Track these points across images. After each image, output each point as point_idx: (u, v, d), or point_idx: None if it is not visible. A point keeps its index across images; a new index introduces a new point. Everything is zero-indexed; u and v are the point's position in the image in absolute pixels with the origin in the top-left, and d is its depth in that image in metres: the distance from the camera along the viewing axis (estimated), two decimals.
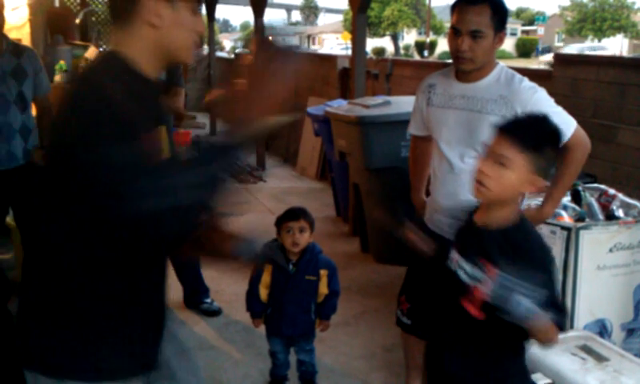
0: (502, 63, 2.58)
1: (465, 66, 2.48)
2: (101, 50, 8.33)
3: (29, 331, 1.52)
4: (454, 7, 2.48)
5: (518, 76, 2.49)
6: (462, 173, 2.51)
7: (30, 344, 1.52)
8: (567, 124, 2.41)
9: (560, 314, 1.66)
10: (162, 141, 1.53)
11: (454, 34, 2.45)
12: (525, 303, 1.54)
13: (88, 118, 1.33)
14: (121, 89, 1.40)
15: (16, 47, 3.55)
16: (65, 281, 1.47)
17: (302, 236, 2.90)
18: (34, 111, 3.70)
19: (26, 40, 7.30)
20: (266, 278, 3.00)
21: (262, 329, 3.12)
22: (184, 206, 1.33)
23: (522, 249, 1.72)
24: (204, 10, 11.35)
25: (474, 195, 1.81)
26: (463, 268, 1.78)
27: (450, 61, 2.62)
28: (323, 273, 3.00)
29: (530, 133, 1.75)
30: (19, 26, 7.60)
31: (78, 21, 8.79)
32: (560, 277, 2.76)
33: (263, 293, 3.02)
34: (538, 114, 1.83)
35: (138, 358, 1.60)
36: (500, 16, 2.43)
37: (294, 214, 2.93)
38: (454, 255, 1.85)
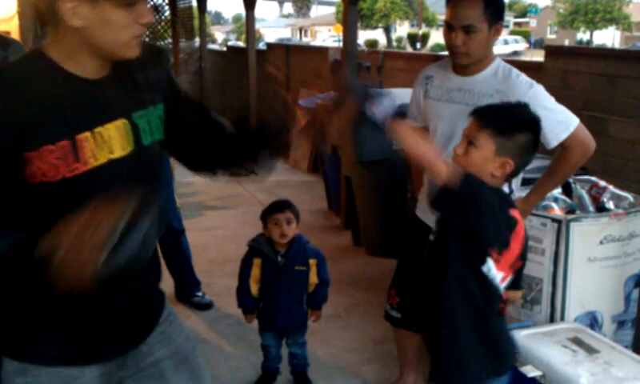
0: (499, 58, 2.56)
1: (461, 60, 2.47)
2: None
3: None
4: (447, 2, 2.46)
5: (515, 71, 2.47)
6: None
7: None
8: (566, 123, 2.38)
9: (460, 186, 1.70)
10: (112, 137, 1.47)
11: (448, 28, 2.43)
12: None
13: None
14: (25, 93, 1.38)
15: (3, 40, 3.51)
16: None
17: (289, 227, 2.91)
18: None
19: (14, 32, 7.24)
20: (255, 272, 3.00)
21: (254, 323, 3.12)
22: None
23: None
24: (195, 2, 11.31)
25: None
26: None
27: (443, 53, 2.61)
28: (312, 262, 3.01)
29: (499, 117, 1.86)
30: (8, 19, 7.54)
31: None
32: (551, 269, 2.76)
33: (254, 287, 3.02)
34: (516, 103, 1.96)
35: (81, 347, 1.56)
36: (494, 8, 2.40)
37: (279, 206, 2.94)
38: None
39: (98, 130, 1.45)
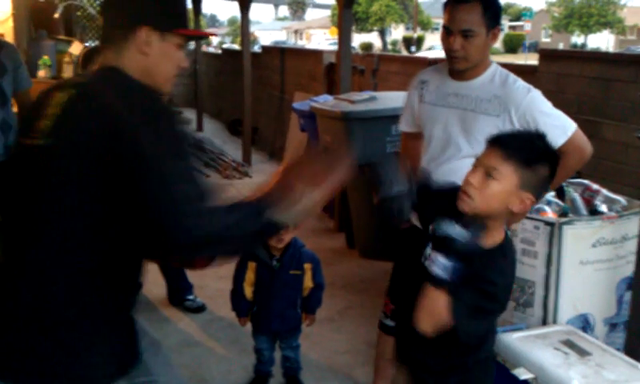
0: (496, 63, 2.55)
1: (459, 65, 2.45)
2: (86, 45, 8.27)
3: (5, 339, 1.49)
4: (445, 6, 2.44)
5: (512, 76, 2.46)
6: (451, 171, 2.49)
7: (6, 352, 1.49)
8: (563, 127, 2.37)
9: (472, 327, 1.69)
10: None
11: (446, 33, 2.42)
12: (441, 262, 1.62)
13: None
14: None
15: None
16: (53, 288, 1.46)
17: (286, 232, 2.88)
18: (15, 107, 3.66)
19: (9, 35, 7.23)
20: (250, 276, 2.99)
21: (247, 326, 3.11)
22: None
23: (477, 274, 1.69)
24: (190, 4, 11.30)
25: (458, 206, 1.73)
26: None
27: (435, 57, 2.60)
28: (307, 266, 3.00)
29: (522, 147, 1.70)
30: (2, 21, 7.53)
31: (56, 15, 8.68)
32: (543, 272, 2.76)
33: (248, 291, 3.01)
34: (535, 131, 1.79)
35: (120, 361, 1.60)
36: (492, 12, 2.39)
37: None
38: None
39: None
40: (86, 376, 1.51)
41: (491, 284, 1.67)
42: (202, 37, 2.21)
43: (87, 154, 1.42)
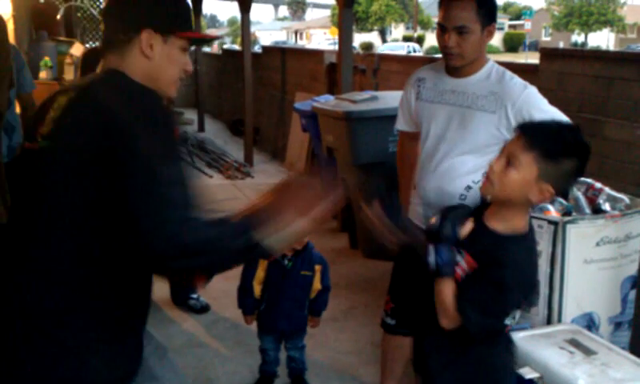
0: (492, 60, 2.56)
1: (455, 62, 2.46)
2: (87, 46, 8.27)
3: (15, 344, 1.49)
4: (440, 4, 2.46)
5: (509, 73, 2.48)
6: (449, 168, 2.50)
7: (22, 353, 1.48)
8: None
9: (479, 318, 1.71)
10: None
11: (441, 30, 2.43)
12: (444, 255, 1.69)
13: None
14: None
15: None
16: (55, 292, 1.46)
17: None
18: (17, 108, 3.67)
19: (9, 36, 7.22)
20: (260, 274, 2.98)
21: (252, 325, 3.11)
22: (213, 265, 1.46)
23: (500, 262, 1.71)
24: (190, 5, 11.29)
25: (480, 191, 1.80)
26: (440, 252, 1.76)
27: (438, 55, 2.61)
28: (317, 268, 3.01)
29: (547, 138, 1.68)
30: None
31: (58, 16, 8.68)
32: (547, 271, 2.76)
33: (257, 289, 3.00)
34: (568, 123, 1.77)
35: (125, 368, 1.60)
36: (486, 9, 2.40)
37: None
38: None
39: None
40: (89, 382, 1.51)
41: (498, 267, 1.68)
42: (206, 40, 2.18)
43: (85, 155, 1.41)
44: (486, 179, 1.73)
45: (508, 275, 1.69)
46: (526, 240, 1.79)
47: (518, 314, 1.84)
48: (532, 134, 1.69)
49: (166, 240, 1.33)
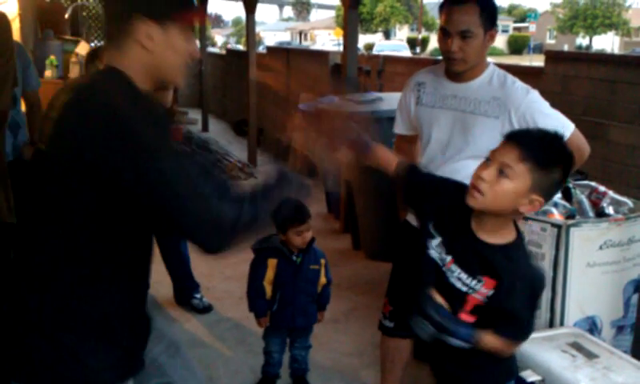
0: (493, 64, 2.55)
1: (457, 67, 2.44)
2: (92, 45, 8.29)
3: (19, 340, 1.49)
4: (441, 7, 2.44)
5: (510, 77, 2.47)
6: (451, 172, 2.49)
7: (22, 353, 1.49)
8: (562, 128, 2.34)
9: (520, 334, 1.76)
10: None
11: (444, 35, 2.41)
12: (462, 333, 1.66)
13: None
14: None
15: None
16: (55, 293, 1.46)
17: (309, 233, 2.94)
18: (23, 107, 3.68)
19: (15, 35, 7.19)
20: (269, 274, 2.98)
21: (254, 325, 3.11)
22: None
23: (519, 270, 1.70)
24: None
25: (467, 200, 1.70)
26: (458, 276, 1.74)
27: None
28: (322, 262, 3.05)
29: (540, 148, 1.64)
30: None
31: (66, 16, 8.72)
32: (550, 274, 2.76)
33: (268, 289, 3.00)
34: (554, 131, 1.71)
35: (124, 367, 1.60)
36: (489, 13, 2.38)
37: (302, 218, 2.89)
38: (440, 252, 1.82)
39: None
40: (88, 381, 1.51)
41: (518, 280, 1.67)
42: (203, 20, 2.13)
43: (80, 158, 1.38)
44: (474, 189, 1.66)
45: (528, 282, 1.69)
46: (522, 241, 1.79)
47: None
48: (526, 144, 1.64)
49: (214, 235, 1.39)
